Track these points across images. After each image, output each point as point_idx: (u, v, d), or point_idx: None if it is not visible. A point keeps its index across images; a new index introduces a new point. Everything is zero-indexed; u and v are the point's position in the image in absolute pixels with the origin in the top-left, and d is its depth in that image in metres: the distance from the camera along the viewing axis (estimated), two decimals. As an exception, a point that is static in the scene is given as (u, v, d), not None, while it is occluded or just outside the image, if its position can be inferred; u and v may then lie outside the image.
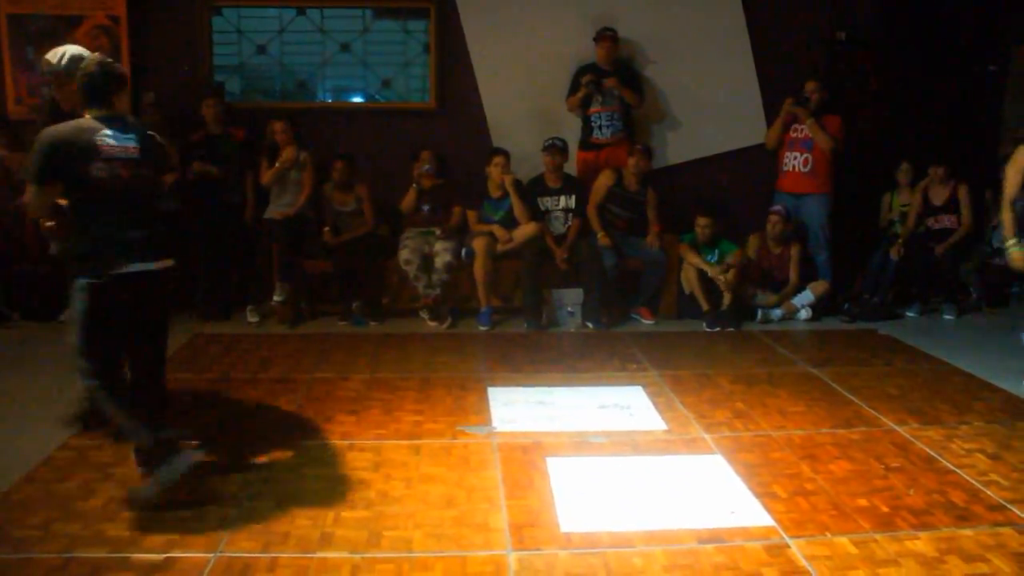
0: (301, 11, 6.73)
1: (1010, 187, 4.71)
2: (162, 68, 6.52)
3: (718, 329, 6.12)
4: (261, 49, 6.79)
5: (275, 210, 6.17)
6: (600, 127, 6.58)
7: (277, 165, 6.07)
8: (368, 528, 3.06)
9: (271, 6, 6.73)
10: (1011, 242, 4.68)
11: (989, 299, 6.95)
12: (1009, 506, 3.30)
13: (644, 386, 4.71)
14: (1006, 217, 4.72)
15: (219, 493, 3.31)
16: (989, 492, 3.43)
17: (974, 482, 3.52)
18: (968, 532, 3.10)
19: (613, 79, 6.46)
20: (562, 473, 3.55)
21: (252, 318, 6.09)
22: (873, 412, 4.37)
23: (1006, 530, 3.11)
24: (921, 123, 7.23)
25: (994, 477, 3.57)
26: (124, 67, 6.24)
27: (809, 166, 6.54)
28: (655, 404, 4.43)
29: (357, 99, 7.08)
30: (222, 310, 6.16)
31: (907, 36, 7.23)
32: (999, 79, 7.86)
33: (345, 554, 2.89)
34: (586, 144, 6.67)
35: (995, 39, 7.72)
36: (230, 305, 6.21)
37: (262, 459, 3.65)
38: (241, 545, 2.93)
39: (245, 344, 5.52)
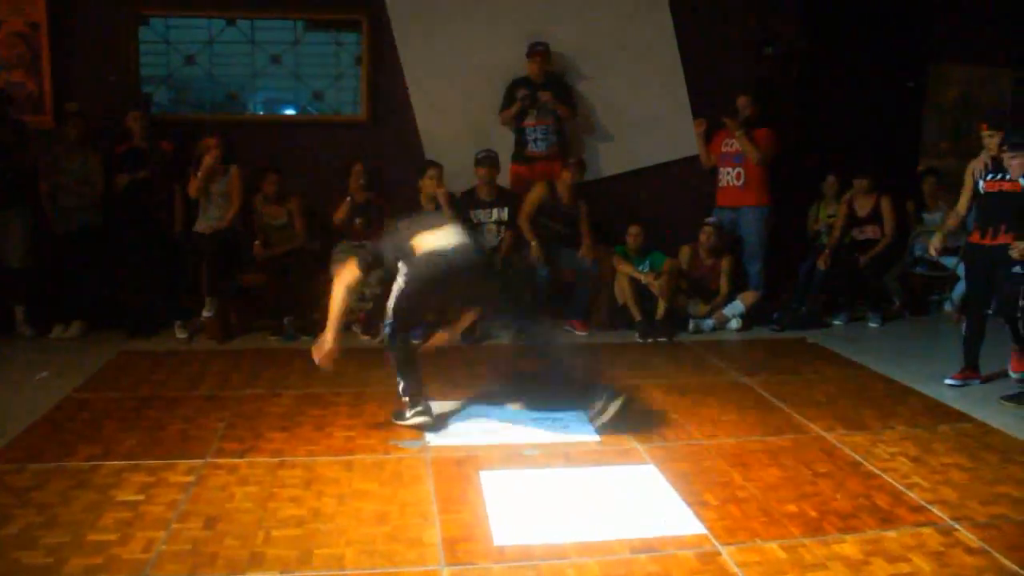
0: (231, 22, 6.64)
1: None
2: (86, 78, 6.35)
3: (651, 340, 6.19)
4: (189, 60, 6.67)
5: (203, 224, 6.06)
6: (535, 140, 6.62)
7: (199, 174, 5.93)
8: (299, 546, 3.01)
9: (200, 16, 6.62)
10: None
11: (911, 307, 7.18)
12: (930, 507, 3.40)
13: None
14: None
15: (144, 515, 3.22)
16: (911, 494, 3.52)
17: (897, 485, 3.62)
18: (892, 534, 3.18)
19: (548, 93, 6.51)
20: (496, 487, 3.54)
21: (180, 334, 5.96)
22: (802, 419, 4.46)
23: (927, 530, 3.20)
24: (845, 137, 7.43)
25: (916, 479, 3.67)
26: (45, 73, 6.12)
27: (742, 180, 6.68)
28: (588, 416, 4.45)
29: (288, 111, 7.00)
30: (149, 326, 6.01)
31: (831, 52, 7.44)
32: (918, 95, 8.13)
33: (276, 574, 2.83)
34: (520, 157, 6.71)
35: (913, 57, 7.99)
36: (158, 321, 6.06)
37: (189, 479, 3.55)
38: (167, 568, 2.84)
39: (173, 361, 5.40)
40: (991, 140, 5.13)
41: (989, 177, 5.08)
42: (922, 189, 7.33)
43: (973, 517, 3.32)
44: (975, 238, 5.17)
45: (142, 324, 5.97)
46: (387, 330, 4.17)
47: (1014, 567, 2.93)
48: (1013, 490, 3.59)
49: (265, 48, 6.72)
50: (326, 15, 6.73)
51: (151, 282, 6.07)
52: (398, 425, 4.20)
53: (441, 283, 4.09)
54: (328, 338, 4.04)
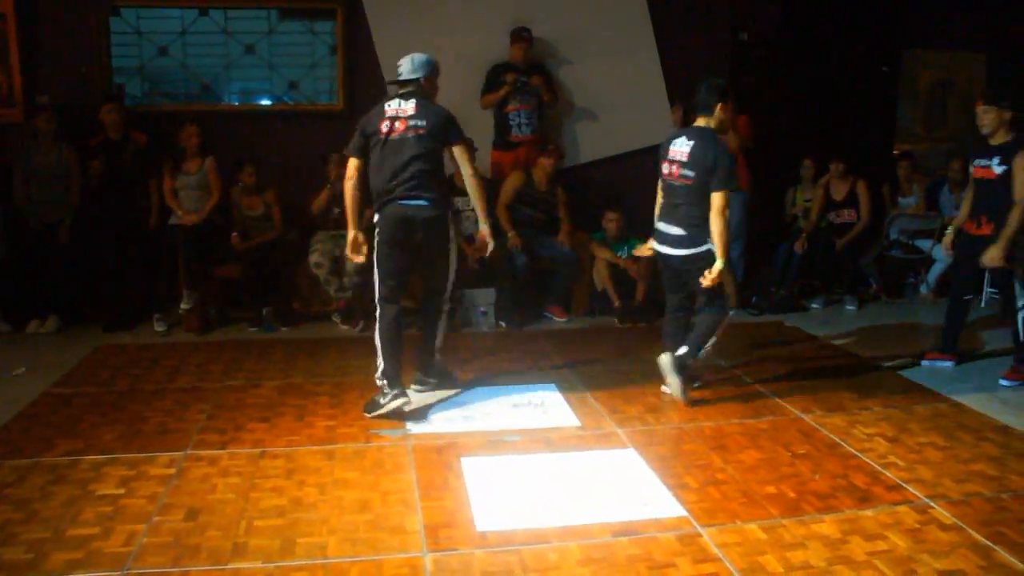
0: (203, 12, 6.56)
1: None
2: (56, 69, 6.27)
3: (629, 324, 6.22)
4: (162, 51, 6.60)
5: (180, 216, 6.02)
6: (519, 125, 6.60)
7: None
8: (282, 536, 3.01)
9: (172, 6, 6.54)
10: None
11: (887, 290, 7.25)
12: (906, 486, 3.45)
13: (557, 383, 4.76)
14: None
15: (125, 508, 3.21)
16: (888, 474, 3.57)
17: (874, 465, 3.66)
18: (869, 512, 3.23)
19: (539, 78, 6.51)
20: (477, 473, 3.55)
21: (159, 327, 5.92)
22: (780, 401, 4.50)
23: (902, 508, 3.26)
24: (821, 121, 7.48)
25: (892, 459, 3.73)
26: (13, 65, 6.04)
27: None
28: (568, 401, 4.48)
29: (264, 101, 6.95)
30: (127, 320, 5.97)
31: (806, 38, 7.48)
32: (892, 80, 8.20)
33: (259, 564, 2.83)
34: (503, 143, 6.68)
35: (888, 42, 8.05)
36: (135, 314, 6.02)
37: (170, 471, 3.54)
38: (150, 561, 2.84)
39: (152, 354, 5.36)
40: (986, 116, 4.68)
41: (977, 162, 4.82)
42: (897, 173, 7.39)
43: (948, 495, 3.38)
44: (968, 226, 4.92)
45: (119, 318, 5.93)
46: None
47: (986, 542, 2.99)
48: (986, 468, 3.65)
49: (239, 38, 6.66)
50: (300, 3, 6.68)
51: (128, 275, 6.03)
52: (376, 415, 4.20)
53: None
54: (351, 231, 4.40)
